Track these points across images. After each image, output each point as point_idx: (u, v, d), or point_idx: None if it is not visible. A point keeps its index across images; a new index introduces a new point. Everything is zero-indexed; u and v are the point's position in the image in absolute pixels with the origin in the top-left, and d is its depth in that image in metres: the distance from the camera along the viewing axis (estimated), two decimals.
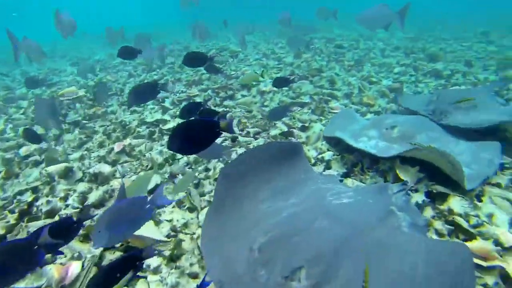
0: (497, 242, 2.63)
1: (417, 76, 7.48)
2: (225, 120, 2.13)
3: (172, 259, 2.76)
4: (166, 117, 5.84)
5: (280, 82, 4.81)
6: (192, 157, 4.35)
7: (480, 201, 3.17)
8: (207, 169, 4.09)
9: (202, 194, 3.63)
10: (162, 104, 6.42)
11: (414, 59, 8.73)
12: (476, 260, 2.49)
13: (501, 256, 2.52)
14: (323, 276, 1.94)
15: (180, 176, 4.01)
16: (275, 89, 6.67)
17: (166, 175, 4.09)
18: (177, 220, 3.23)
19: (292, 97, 6.29)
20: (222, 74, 6.85)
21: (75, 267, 2.64)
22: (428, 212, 3.10)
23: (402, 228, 2.45)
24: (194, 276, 2.64)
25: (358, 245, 2.13)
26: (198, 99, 6.68)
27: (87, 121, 6.02)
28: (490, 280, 2.41)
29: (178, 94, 6.94)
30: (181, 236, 3.06)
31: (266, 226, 2.36)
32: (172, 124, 5.53)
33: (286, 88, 6.75)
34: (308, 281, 1.91)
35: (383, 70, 8.02)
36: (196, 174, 3.97)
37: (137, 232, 2.54)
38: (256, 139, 4.86)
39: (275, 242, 2.14)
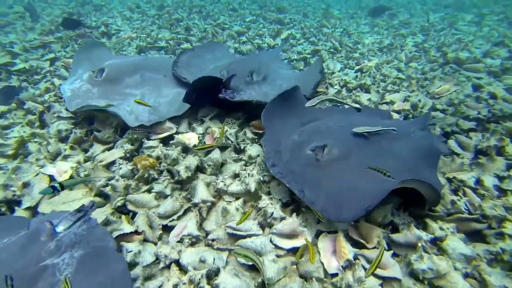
0: None
1: (264, 23, 8.81)
2: None
3: None
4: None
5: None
6: None
7: None
8: None
9: None
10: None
11: (265, 10, 10.06)
12: None
13: None
14: None
15: None
16: (133, 35, 7.01)
17: None
18: None
19: (150, 42, 6.75)
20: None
21: None
22: None
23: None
24: None
25: None
26: (54, 45, 6.50)
27: None
28: None
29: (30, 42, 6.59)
30: None
31: None
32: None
33: (145, 35, 7.16)
34: None
35: (238, 19, 9.09)
36: None
37: None
38: None
39: None
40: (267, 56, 5.15)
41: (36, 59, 5.82)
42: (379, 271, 2.16)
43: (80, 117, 3.90)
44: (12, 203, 2.76)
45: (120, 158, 3.26)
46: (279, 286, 2.18)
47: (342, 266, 2.23)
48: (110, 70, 3.86)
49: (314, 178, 2.54)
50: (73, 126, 3.77)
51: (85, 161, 3.36)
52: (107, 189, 2.85)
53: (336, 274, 2.22)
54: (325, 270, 2.27)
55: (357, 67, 6.06)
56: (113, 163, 3.24)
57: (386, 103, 4.55)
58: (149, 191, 2.95)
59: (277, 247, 2.45)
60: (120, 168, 3.10)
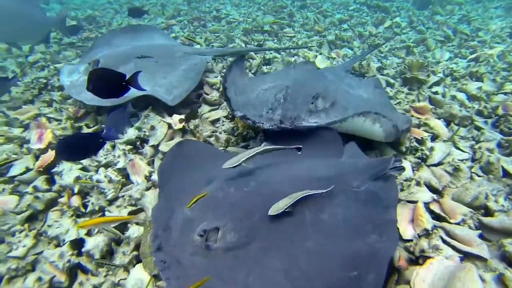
0: None
1: (367, 12, 8.54)
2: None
3: None
4: None
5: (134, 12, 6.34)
6: None
7: None
8: None
9: None
10: None
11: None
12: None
13: None
14: None
15: None
16: (240, 19, 7.71)
17: None
18: None
19: (255, 25, 7.29)
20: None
21: None
22: None
23: None
24: None
25: None
26: (175, 27, 7.67)
27: None
28: None
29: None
30: None
31: None
32: None
33: (250, 19, 7.77)
34: None
35: (341, 8, 9.01)
36: None
37: None
38: None
39: None
40: (334, 74, 3.93)
41: None
42: (460, 246, 2.10)
43: None
44: (143, 141, 3.53)
45: (224, 117, 3.78)
46: None
47: (418, 234, 2.24)
48: (105, 61, 3.95)
49: (200, 273, 1.84)
50: None
51: (194, 117, 3.99)
52: (212, 139, 3.39)
53: (410, 240, 2.24)
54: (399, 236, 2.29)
55: (471, 56, 5.49)
56: (217, 120, 3.78)
57: (505, 93, 4.06)
58: (245, 147, 3.37)
59: None
60: (223, 125, 3.62)
